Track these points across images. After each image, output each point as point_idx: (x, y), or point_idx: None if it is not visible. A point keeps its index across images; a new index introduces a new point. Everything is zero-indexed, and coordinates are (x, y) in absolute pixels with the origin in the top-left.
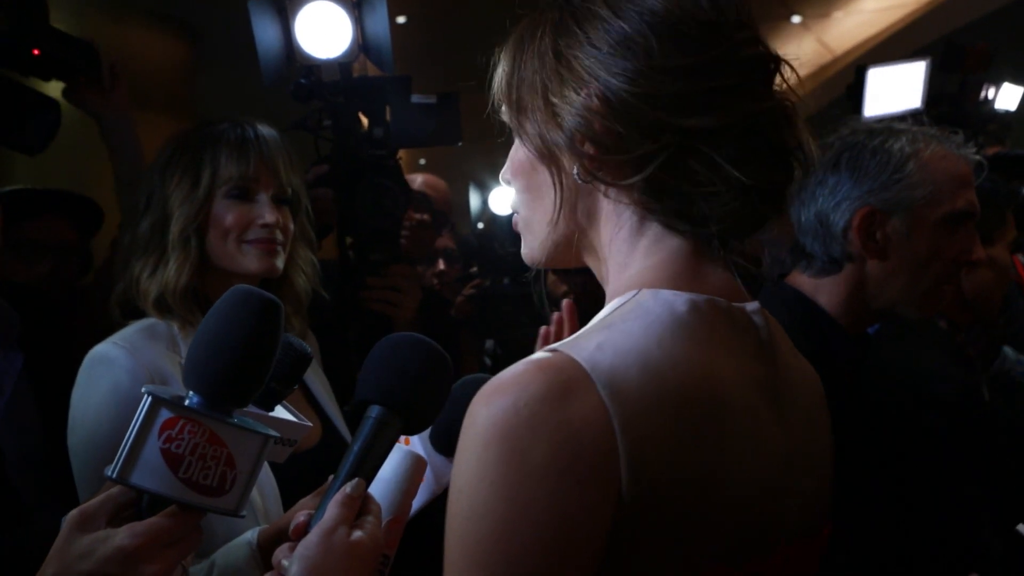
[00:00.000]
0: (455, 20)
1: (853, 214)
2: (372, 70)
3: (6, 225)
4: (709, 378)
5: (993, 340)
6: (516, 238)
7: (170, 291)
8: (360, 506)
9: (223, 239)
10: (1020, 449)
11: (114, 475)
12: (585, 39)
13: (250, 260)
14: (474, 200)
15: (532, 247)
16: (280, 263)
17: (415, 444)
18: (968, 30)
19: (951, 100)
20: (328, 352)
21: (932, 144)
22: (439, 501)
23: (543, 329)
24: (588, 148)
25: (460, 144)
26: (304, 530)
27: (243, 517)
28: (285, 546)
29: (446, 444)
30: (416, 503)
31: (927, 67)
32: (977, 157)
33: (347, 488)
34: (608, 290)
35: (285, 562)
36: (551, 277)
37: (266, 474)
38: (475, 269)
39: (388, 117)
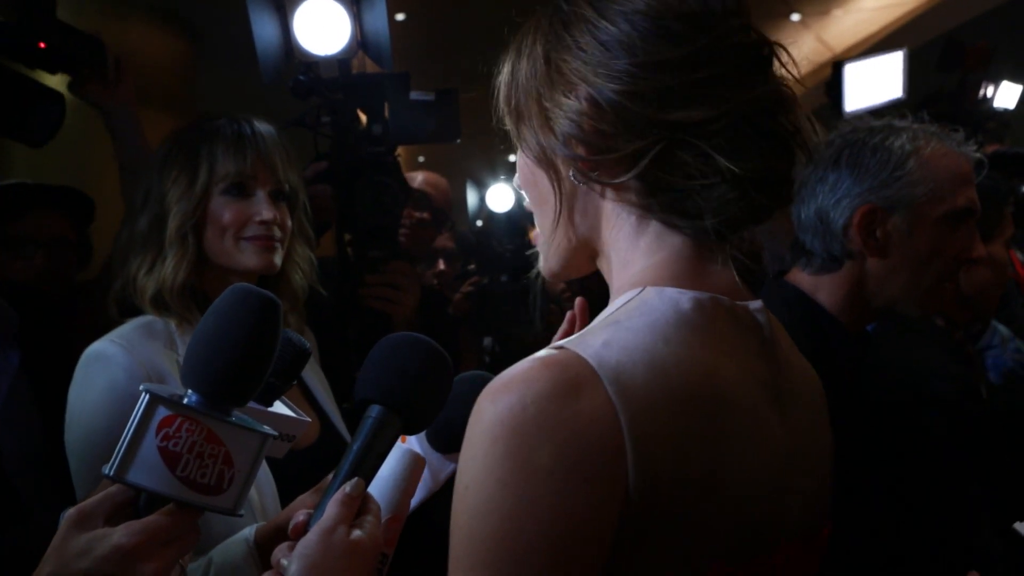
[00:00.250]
0: (454, 17)
1: (853, 211)
2: (371, 67)
3: None
4: (713, 376)
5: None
6: (514, 235)
7: (167, 288)
8: (360, 505)
9: (220, 236)
10: (1018, 447)
11: (111, 473)
12: (573, 43)
13: (248, 257)
14: (473, 197)
15: (547, 257)
16: (278, 260)
17: (411, 441)
18: (967, 28)
19: (950, 98)
20: (327, 350)
21: (933, 142)
22: (436, 498)
23: (569, 314)
24: (580, 150)
25: (459, 141)
26: (303, 529)
27: (241, 516)
28: (284, 545)
29: (442, 441)
30: (413, 500)
31: (904, 57)
32: (978, 155)
33: (347, 487)
34: (613, 287)
35: (284, 561)
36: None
37: (264, 471)
38: (473, 266)
39: (387, 114)
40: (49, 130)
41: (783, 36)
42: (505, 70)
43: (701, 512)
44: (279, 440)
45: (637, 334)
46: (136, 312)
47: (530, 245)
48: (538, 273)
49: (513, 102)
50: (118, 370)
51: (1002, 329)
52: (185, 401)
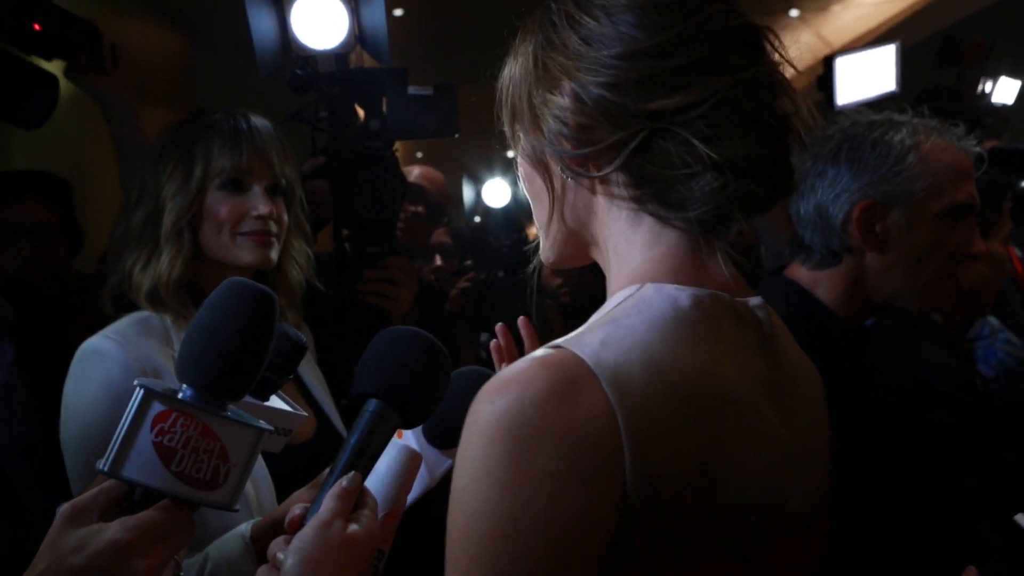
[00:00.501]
0: (451, 14)
1: (853, 206)
2: (369, 62)
3: None
4: (712, 374)
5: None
6: (510, 231)
7: (163, 284)
8: (356, 500)
9: (217, 232)
10: (1016, 440)
11: (106, 468)
12: (558, 40)
13: (244, 252)
14: (469, 193)
15: (544, 249)
16: (274, 255)
17: (408, 436)
18: (966, 24)
19: (948, 94)
20: (324, 345)
21: (932, 136)
22: (432, 494)
23: (493, 343)
24: (567, 145)
25: (457, 136)
26: (300, 523)
27: (237, 511)
28: (280, 539)
29: (439, 437)
30: (410, 496)
31: (897, 50)
32: (977, 149)
33: (343, 481)
34: (611, 284)
35: (280, 555)
36: (546, 270)
37: (260, 467)
38: (469, 262)
39: (385, 109)
40: (43, 113)
41: (781, 32)
42: (505, 74)
43: (700, 510)
44: (275, 435)
45: (635, 332)
46: (132, 307)
47: (527, 240)
48: (535, 269)
49: (509, 104)
50: (113, 366)
51: (992, 320)
52: (180, 396)
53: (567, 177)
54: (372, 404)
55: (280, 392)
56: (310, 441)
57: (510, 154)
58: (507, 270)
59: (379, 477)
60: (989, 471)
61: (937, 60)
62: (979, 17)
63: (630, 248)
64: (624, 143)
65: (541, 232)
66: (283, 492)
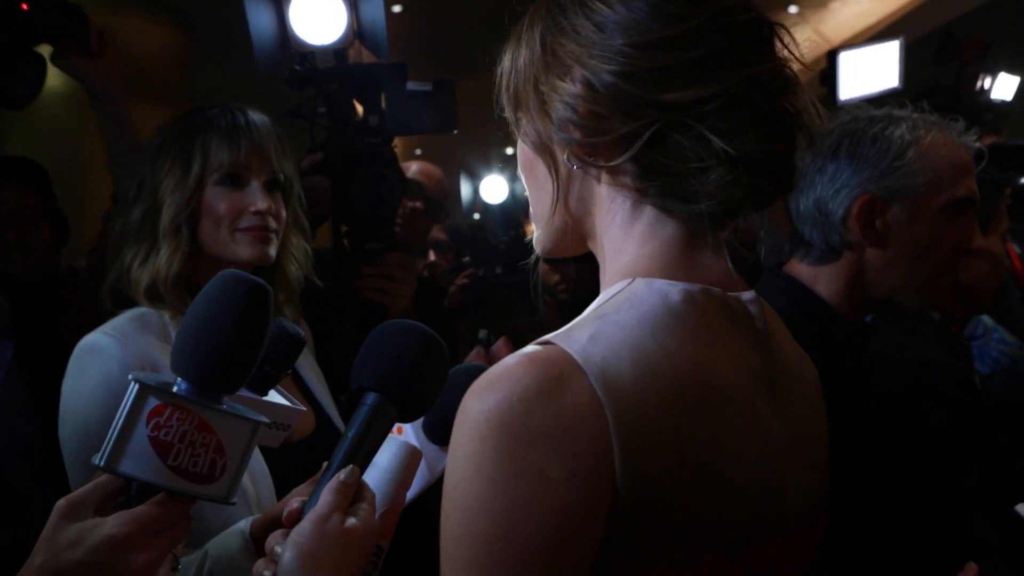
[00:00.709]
0: (449, 10)
1: (853, 202)
2: (367, 57)
3: None
4: (703, 370)
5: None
6: (509, 227)
7: (161, 280)
8: (354, 493)
9: (215, 227)
10: (1013, 437)
11: (102, 463)
12: (569, 26)
13: (243, 248)
14: (467, 189)
15: (539, 237)
16: (273, 251)
17: (408, 433)
18: (965, 20)
19: (947, 90)
20: (323, 342)
21: (933, 131)
22: (432, 490)
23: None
24: (576, 133)
25: (456, 132)
26: (297, 517)
27: (234, 504)
28: (278, 532)
29: (439, 433)
30: (409, 492)
31: (900, 46)
32: (977, 145)
33: (341, 475)
34: (605, 276)
35: (278, 548)
36: (544, 266)
37: (259, 463)
38: (467, 258)
39: (383, 104)
40: (30, 93)
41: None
42: (506, 59)
43: (693, 506)
44: (275, 429)
45: (624, 328)
46: (130, 304)
47: (525, 237)
48: (534, 265)
49: (512, 89)
50: (112, 362)
51: (985, 319)
52: (175, 390)
53: (573, 166)
54: (370, 398)
55: (279, 387)
56: (309, 437)
57: (509, 151)
58: (505, 266)
59: (379, 473)
60: (986, 468)
61: (936, 56)
62: (978, 13)
63: (626, 241)
64: (637, 134)
65: (539, 221)
66: (283, 489)
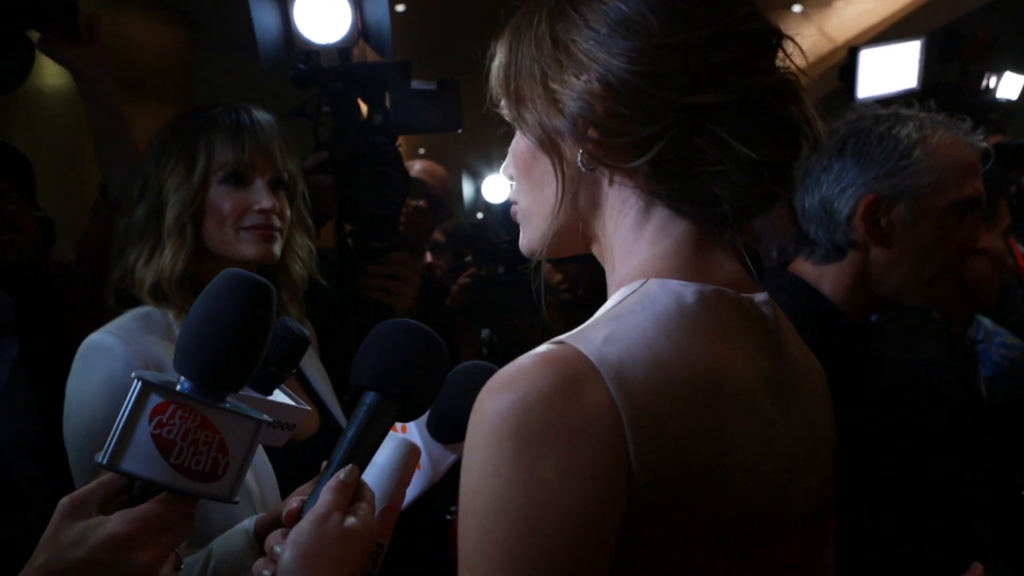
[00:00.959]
0: (452, 9)
1: (858, 201)
2: (372, 56)
3: None
4: (716, 371)
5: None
6: (511, 227)
7: (166, 279)
8: (354, 493)
9: (220, 226)
10: (1014, 441)
11: (104, 461)
12: (583, 22)
13: (247, 247)
14: (469, 189)
15: (532, 238)
16: (277, 249)
17: (411, 431)
18: (969, 18)
19: (952, 89)
20: (326, 341)
21: (939, 131)
22: (435, 489)
23: None
24: (592, 133)
25: (460, 131)
26: (297, 516)
27: (236, 503)
28: (277, 532)
29: (444, 431)
30: (413, 491)
31: (922, 47)
32: (984, 144)
33: (340, 474)
34: (614, 277)
35: (277, 548)
36: (546, 266)
37: (263, 462)
38: (469, 258)
39: (388, 104)
40: (17, 77)
41: (785, 27)
42: (501, 52)
43: (704, 508)
44: (279, 428)
45: (639, 329)
46: (134, 303)
47: None
48: (536, 265)
49: (513, 85)
50: (116, 361)
51: (986, 322)
52: (178, 388)
53: (584, 166)
54: (369, 397)
55: (283, 387)
56: (313, 437)
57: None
58: (507, 266)
59: (377, 471)
60: (987, 469)
61: (940, 56)
62: (982, 12)
63: (637, 242)
64: (657, 136)
65: (534, 220)
66: (287, 488)
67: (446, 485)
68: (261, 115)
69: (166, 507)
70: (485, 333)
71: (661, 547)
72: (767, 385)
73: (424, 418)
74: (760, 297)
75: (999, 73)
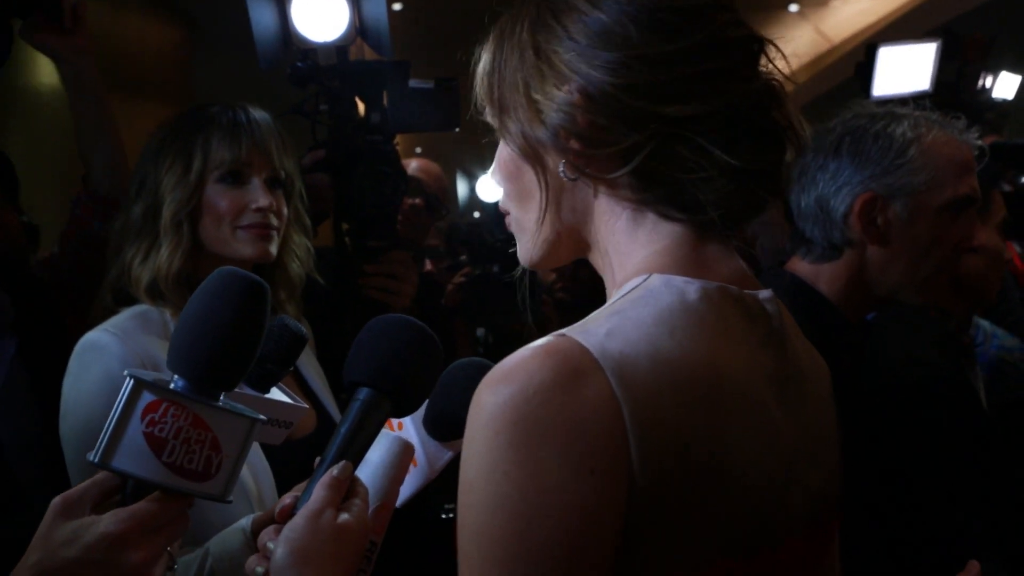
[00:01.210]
0: (448, 8)
1: (854, 199)
2: (369, 55)
3: None
4: (719, 368)
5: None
6: (505, 226)
7: (162, 277)
8: (347, 489)
9: (217, 225)
10: (1010, 440)
11: (96, 459)
12: (564, 33)
13: (244, 246)
14: (464, 188)
15: (526, 247)
16: (274, 248)
17: (408, 428)
18: (967, 18)
19: (948, 89)
20: (324, 340)
21: (934, 129)
22: (431, 487)
23: None
24: (573, 144)
25: (458, 130)
26: (290, 512)
27: (230, 503)
28: (270, 528)
29: (439, 429)
30: (409, 489)
31: (938, 49)
32: (979, 143)
33: (334, 471)
34: (615, 279)
35: (271, 545)
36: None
37: (261, 461)
38: (464, 257)
39: (385, 102)
40: None
41: (781, 27)
42: (484, 59)
43: (706, 504)
44: (276, 427)
45: (641, 325)
46: (131, 301)
47: None
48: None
49: (496, 94)
50: (113, 360)
51: (984, 324)
52: (171, 386)
53: (568, 177)
54: (362, 393)
55: (281, 384)
56: (311, 435)
57: None
58: (502, 265)
59: (371, 468)
60: (983, 469)
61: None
62: (979, 12)
63: (632, 244)
64: (638, 146)
65: (524, 231)
66: (284, 487)
67: (441, 484)
68: (258, 114)
69: (159, 506)
70: (480, 332)
71: (662, 544)
72: (770, 383)
73: (420, 415)
74: (764, 294)
75: (995, 73)
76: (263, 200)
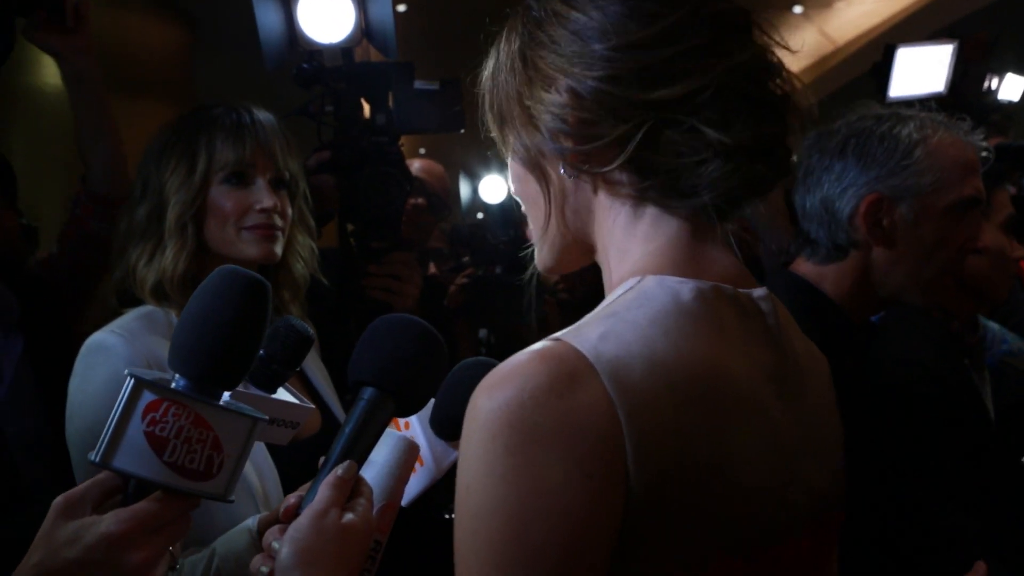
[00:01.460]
0: (452, 9)
1: (860, 201)
2: (375, 56)
3: None
4: (715, 368)
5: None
6: (507, 227)
7: (167, 278)
8: (352, 488)
9: (221, 226)
10: (1011, 442)
11: (97, 459)
12: (546, 37)
13: (249, 246)
14: (466, 189)
15: (542, 255)
16: (279, 249)
17: (414, 428)
18: (971, 20)
19: (953, 90)
20: (328, 340)
21: (940, 130)
22: (437, 487)
23: None
24: (567, 143)
25: (463, 131)
26: (295, 512)
27: (232, 502)
28: (275, 528)
29: (446, 429)
30: (415, 488)
31: (954, 51)
32: (984, 144)
33: (338, 470)
34: (612, 279)
35: (275, 544)
36: None
37: (266, 461)
38: (467, 258)
39: (391, 103)
40: None
41: (785, 28)
42: (486, 76)
43: (704, 505)
44: (283, 427)
45: (635, 327)
46: (136, 302)
47: (524, 237)
48: (533, 265)
49: (496, 108)
50: (119, 361)
51: (993, 327)
52: (172, 385)
53: (569, 177)
54: (367, 392)
55: (287, 385)
56: (315, 436)
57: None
58: (505, 266)
59: (376, 468)
60: (978, 469)
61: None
62: (984, 13)
63: (630, 242)
64: (629, 136)
65: (537, 236)
66: (289, 487)
67: (446, 485)
68: (262, 114)
69: (160, 506)
70: (483, 333)
71: (660, 545)
72: (768, 382)
73: (427, 415)
74: (759, 292)
75: (1000, 74)
76: (267, 201)
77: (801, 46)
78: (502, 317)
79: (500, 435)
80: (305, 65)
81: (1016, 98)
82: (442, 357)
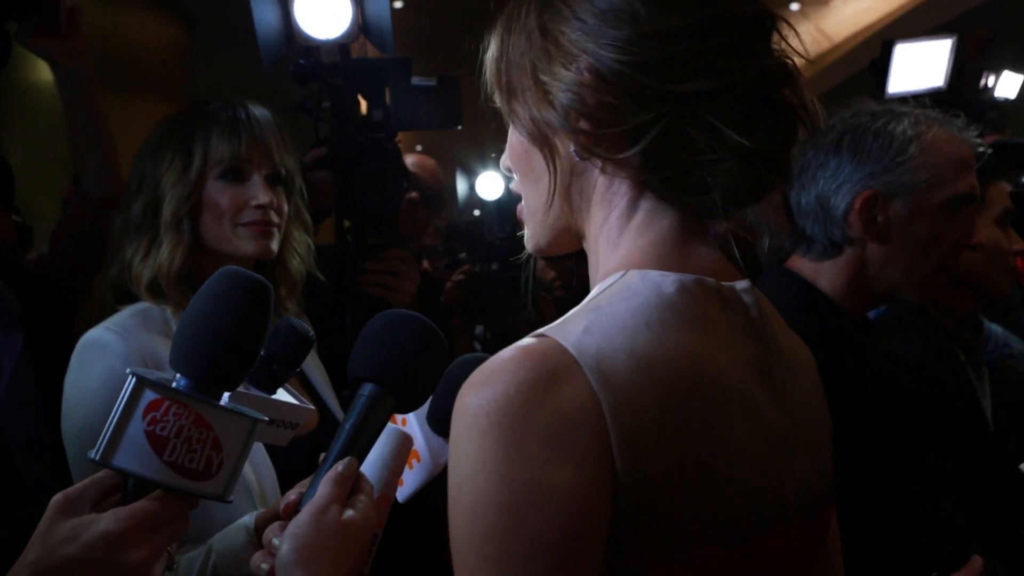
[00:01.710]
0: (452, 4)
1: (854, 197)
2: (372, 52)
3: None
4: (699, 360)
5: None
6: (505, 224)
7: (163, 275)
8: (352, 485)
9: (218, 222)
10: (1008, 441)
11: (97, 457)
12: (570, 12)
13: (245, 243)
14: (465, 186)
15: (535, 233)
16: (275, 245)
17: (412, 424)
18: (967, 17)
19: (949, 87)
20: (325, 337)
21: (934, 127)
22: (434, 482)
23: None
24: (583, 124)
25: (460, 128)
26: (295, 508)
27: (231, 502)
28: (275, 524)
29: (443, 425)
30: (413, 484)
31: (953, 45)
32: (978, 141)
33: (339, 466)
34: (598, 271)
35: (276, 541)
36: (540, 263)
37: (264, 459)
38: (464, 255)
39: (388, 100)
40: None
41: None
42: (493, 46)
43: (692, 497)
44: (283, 428)
45: (618, 320)
46: (132, 299)
47: (521, 233)
48: (528, 260)
49: (504, 78)
50: (115, 358)
51: (996, 329)
52: (173, 385)
53: (577, 157)
54: (367, 388)
55: (287, 385)
56: (313, 433)
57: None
58: (501, 263)
59: (371, 460)
60: (981, 467)
61: None
62: (980, 11)
63: (622, 234)
64: (649, 125)
65: (534, 216)
66: (286, 484)
67: (443, 482)
68: (258, 110)
69: (159, 505)
70: (479, 329)
71: (652, 535)
72: (753, 372)
73: (424, 411)
74: (741, 285)
75: (997, 72)
76: (263, 197)
77: (796, 44)
78: (498, 313)
79: (489, 431)
80: (302, 61)
81: (1013, 95)
82: (442, 353)
